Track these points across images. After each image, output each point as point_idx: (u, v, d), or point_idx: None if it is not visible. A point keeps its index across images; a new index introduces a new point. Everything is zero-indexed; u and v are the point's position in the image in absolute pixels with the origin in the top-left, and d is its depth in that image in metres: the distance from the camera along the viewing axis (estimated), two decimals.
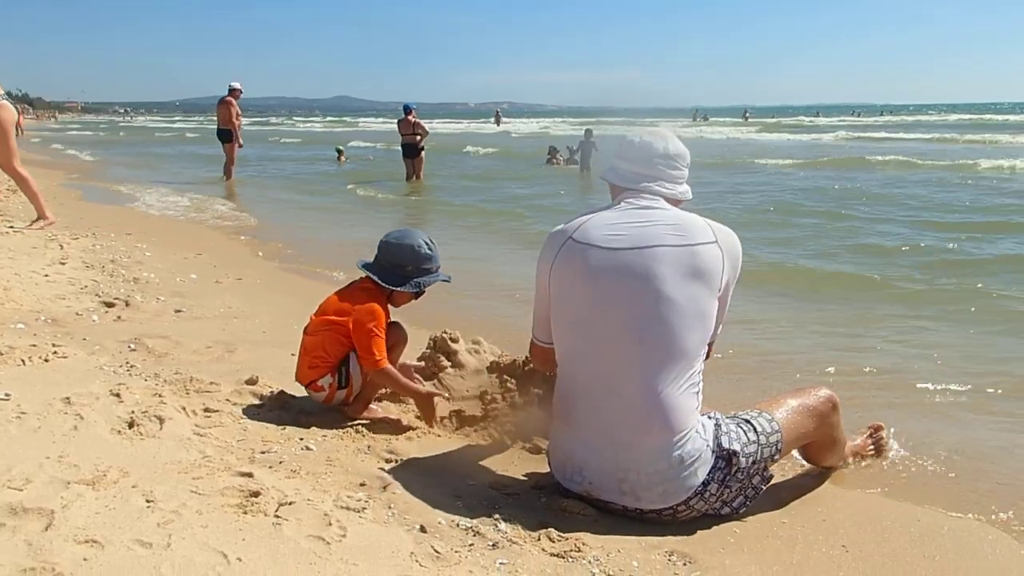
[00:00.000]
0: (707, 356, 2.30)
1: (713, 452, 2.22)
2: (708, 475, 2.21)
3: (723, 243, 2.24)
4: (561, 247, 2.28)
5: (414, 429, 2.91)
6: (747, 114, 64.09)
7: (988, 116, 56.45)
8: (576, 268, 2.24)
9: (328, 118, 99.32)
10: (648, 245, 2.20)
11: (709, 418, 2.30)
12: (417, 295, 3.01)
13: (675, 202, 2.36)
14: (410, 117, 14.84)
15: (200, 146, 30.02)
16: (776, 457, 2.35)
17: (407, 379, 2.95)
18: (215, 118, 14.81)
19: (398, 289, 2.94)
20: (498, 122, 54.18)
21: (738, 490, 2.29)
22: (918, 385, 3.68)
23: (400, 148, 15.37)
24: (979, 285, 5.81)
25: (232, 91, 14.30)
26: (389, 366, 2.87)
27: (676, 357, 2.16)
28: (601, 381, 2.22)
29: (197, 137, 38.95)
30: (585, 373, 2.26)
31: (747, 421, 2.33)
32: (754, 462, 2.28)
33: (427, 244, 2.98)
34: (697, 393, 2.22)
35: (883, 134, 34.09)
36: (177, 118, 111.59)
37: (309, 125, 65.87)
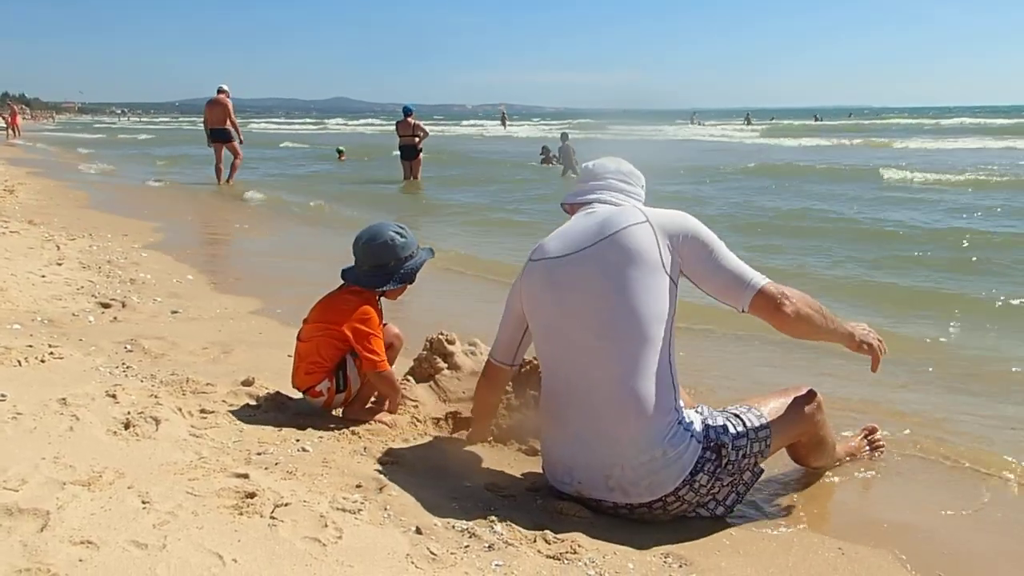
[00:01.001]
0: (783, 307, 2.19)
1: (700, 443, 2.24)
2: (696, 465, 2.22)
3: (655, 220, 2.29)
4: (524, 270, 2.46)
5: (415, 425, 2.91)
6: (749, 117, 61.55)
7: (980, 120, 55.14)
8: (536, 284, 2.38)
9: (296, 119, 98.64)
10: (586, 245, 2.31)
11: (696, 411, 2.32)
12: (410, 282, 2.99)
13: None
14: (410, 119, 15.03)
15: (153, 147, 29.33)
16: (766, 452, 2.36)
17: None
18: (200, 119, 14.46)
19: (387, 288, 2.94)
20: (504, 123, 54.19)
21: (730, 485, 2.30)
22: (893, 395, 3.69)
23: (399, 150, 15.48)
24: None
25: (223, 92, 14.09)
26: (389, 369, 2.89)
27: (637, 345, 2.20)
28: (575, 381, 2.29)
29: (152, 139, 37.91)
30: (561, 377, 2.34)
31: (736, 415, 2.35)
32: (744, 455, 2.29)
33: (399, 233, 2.93)
34: (671, 381, 2.24)
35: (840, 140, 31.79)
36: (161, 119, 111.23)
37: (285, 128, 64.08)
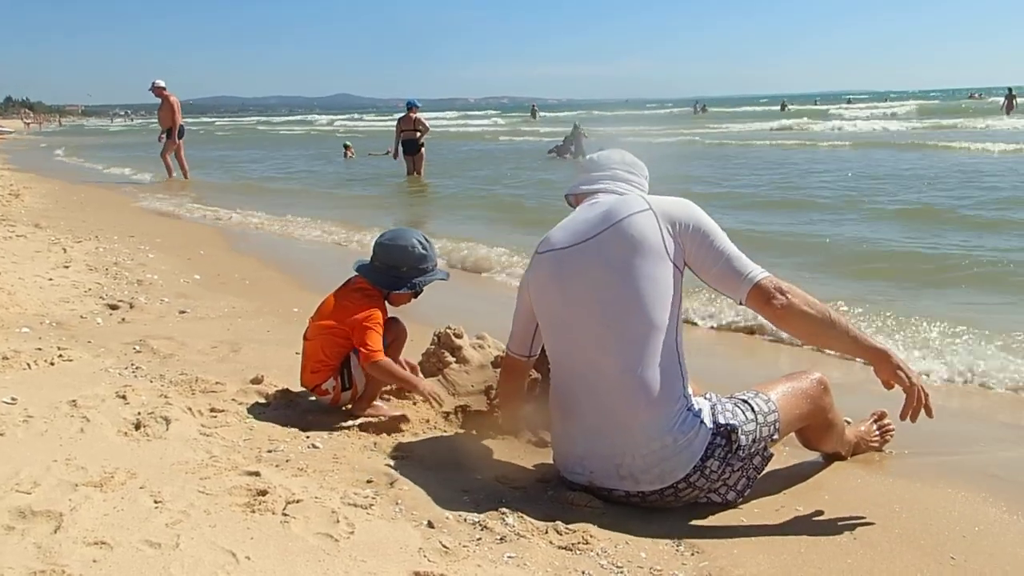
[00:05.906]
0: (773, 300, 2.18)
1: (710, 429, 2.25)
2: (707, 451, 2.23)
3: (657, 207, 2.31)
4: (532, 263, 2.48)
5: (423, 423, 2.91)
6: (785, 104, 53.47)
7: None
8: (543, 275, 2.40)
9: (268, 117, 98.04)
10: (590, 235, 2.32)
11: (705, 398, 2.33)
12: (415, 295, 3.01)
13: None
14: (412, 114, 15.01)
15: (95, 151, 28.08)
16: (775, 437, 2.37)
17: (404, 371, 2.95)
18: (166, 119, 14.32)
19: (393, 292, 2.94)
20: (534, 115, 54.57)
21: (740, 470, 2.31)
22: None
23: (401, 145, 15.43)
24: None
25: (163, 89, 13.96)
26: (384, 359, 2.83)
27: (644, 333, 2.21)
28: (583, 372, 2.30)
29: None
30: (571, 368, 2.35)
31: (744, 401, 2.36)
32: (754, 440, 2.30)
33: (420, 244, 2.95)
34: (679, 368, 2.25)
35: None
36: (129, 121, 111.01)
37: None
